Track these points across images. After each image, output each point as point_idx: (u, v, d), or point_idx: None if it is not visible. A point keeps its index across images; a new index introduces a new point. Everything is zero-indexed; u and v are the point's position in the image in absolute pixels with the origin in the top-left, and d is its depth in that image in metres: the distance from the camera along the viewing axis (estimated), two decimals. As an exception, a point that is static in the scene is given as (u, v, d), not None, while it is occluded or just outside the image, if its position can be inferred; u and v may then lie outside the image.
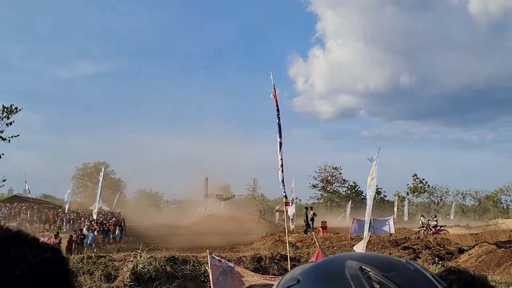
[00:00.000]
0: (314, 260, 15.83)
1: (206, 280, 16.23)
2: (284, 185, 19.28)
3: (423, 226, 40.29)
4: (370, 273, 0.90)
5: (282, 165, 18.66)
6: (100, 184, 45.01)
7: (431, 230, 38.52)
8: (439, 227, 38.89)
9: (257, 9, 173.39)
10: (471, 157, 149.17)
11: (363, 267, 0.91)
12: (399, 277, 0.89)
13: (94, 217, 42.09)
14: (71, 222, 48.07)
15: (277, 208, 53.75)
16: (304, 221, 40.32)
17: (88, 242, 30.03)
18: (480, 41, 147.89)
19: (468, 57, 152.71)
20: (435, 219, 42.74)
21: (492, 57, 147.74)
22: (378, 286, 0.87)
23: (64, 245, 27.71)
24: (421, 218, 45.06)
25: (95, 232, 31.72)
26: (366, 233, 23.54)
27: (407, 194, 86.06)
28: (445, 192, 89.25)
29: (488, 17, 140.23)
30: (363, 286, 0.87)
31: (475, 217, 78.72)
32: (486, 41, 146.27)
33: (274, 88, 18.94)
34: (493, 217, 70.61)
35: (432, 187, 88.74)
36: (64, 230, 42.23)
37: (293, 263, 19.12)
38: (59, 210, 53.97)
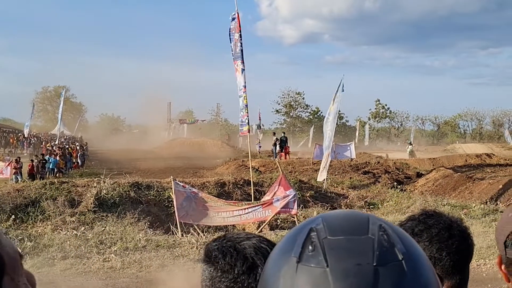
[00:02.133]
0: (277, 186, 16.09)
1: (170, 205, 16.41)
2: (247, 112, 19.35)
3: (411, 152, 41.42)
4: (313, 234, 0.83)
5: (245, 91, 18.66)
6: (60, 109, 44.59)
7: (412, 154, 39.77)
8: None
9: None
10: (432, 82, 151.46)
11: (313, 227, 0.84)
12: (337, 242, 0.81)
13: (56, 141, 41.77)
14: (32, 146, 47.53)
15: (240, 133, 53.87)
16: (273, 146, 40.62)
17: (50, 167, 29.85)
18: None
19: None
20: (411, 145, 43.94)
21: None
22: (310, 247, 0.81)
23: (25, 169, 27.53)
24: (410, 146, 45.47)
25: (57, 157, 31.46)
26: (323, 159, 23.95)
27: (369, 119, 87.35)
28: (406, 117, 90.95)
29: None
30: (298, 245, 0.82)
31: (434, 141, 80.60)
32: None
33: (237, 13, 18.69)
34: (451, 142, 72.38)
35: (394, 113, 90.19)
36: (25, 154, 41.84)
37: (256, 188, 19.42)
38: (19, 134, 53.07)
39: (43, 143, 47.39)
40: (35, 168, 28.00)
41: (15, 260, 0.98)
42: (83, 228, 14.83)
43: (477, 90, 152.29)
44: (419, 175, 27.93)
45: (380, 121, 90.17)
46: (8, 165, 28.00)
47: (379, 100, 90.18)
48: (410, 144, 46.94)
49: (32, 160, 29.31)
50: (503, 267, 1.48)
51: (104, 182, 18.14)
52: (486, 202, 19.61)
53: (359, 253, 0.76)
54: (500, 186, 22.42)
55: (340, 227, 0.82)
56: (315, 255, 0.78)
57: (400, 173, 28.52)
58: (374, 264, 0.74)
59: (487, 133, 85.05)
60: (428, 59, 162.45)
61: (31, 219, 15.76)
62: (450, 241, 1.83)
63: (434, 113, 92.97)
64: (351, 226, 0.82)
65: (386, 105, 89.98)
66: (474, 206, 18.53)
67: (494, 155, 40.38)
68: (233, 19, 18.67)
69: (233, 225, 15.97)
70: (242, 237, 1.47)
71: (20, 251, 1.01)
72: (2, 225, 15.14)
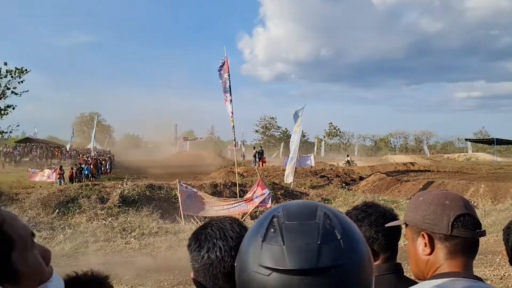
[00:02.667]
0: (256, 187, 15.98)
1: (175, 201, 16.27)
2: (234, 131, 19.44)
3: (348, 162, 41.61)
4: (275, 220, 0.84)
5: (232, 116, 18.72)
6: (94, 130, 44.50)
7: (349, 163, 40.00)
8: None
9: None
10: (370, 109, 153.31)
11: (275, 214, 0.86)
12: (292, 226, 0.82)
13: (91, 153, 41.43)
14: (72, 158, 47.02)
15: (229, 147, 54.17)
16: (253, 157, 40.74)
17: (85, 173, 29.49)
18: (378, 23, 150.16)
19: (369, 36, 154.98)
20: (348, 158, 44.19)
21: (386, 36, 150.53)
22: (272, 230, 0.83)
23: (66, 175, 27.22)
24: (347, 157, 45.85)
25: (91, 166, 31.15)
26: (289, 166, 23.97)
27: (324, 137, 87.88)
28: (351, 135, 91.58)
29: (385, 5, 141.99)
30: (263, 228, 0.84)
31: (372, 154, 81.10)
32: (383, 24, 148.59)
33: (226, 58, 18.78)
34: (385, 154, 72.92)
35: (342, 132, 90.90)
36: (66, 164, 41.47)
37: (240, 188, 19.37)
38: (63, 148, 52.57)
39: (80, 155, 46.86)
40: (74, 174, 27.67)
41: (26, 239, 1.00)
42: (110, 219, 14.70)
43: (403, 115, 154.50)
44: (361, 178, 28.02)
45: (332, 139, 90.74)
46: (54, 172, 27.67)
47: (331, 123, 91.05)
48: (348, 156, 47.48)
49: (72, 168, 28.98)
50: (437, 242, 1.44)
51: (126, 184, 17.98)
52: (410, 198, 19.75)
53: (307, 234, 0.79)
54: (421, 186, 22.58)
55: (295, 214, 0.84)
56: (275, 236, 0.80)
57: (347, 177, 28.61)
58: (319, 243, 0.77)
59: (411, 147, 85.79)
60: (367, 92, 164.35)
61: (71, 212, 15.58)
62: (384, 223, 1.84)
63: (372, 133, 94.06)
64: (303, 213, 0.84)
65: (336, 126, 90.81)
66: (402, 201, 18.62)
67: (416, 163, 40.80)
68: (223, 62, 18.74)
69: (223, 215, 15.90)
70: (226, 221, 1.49)
71: (32, 231, 1.03)
72: (49, 216, 14.95)
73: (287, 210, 0.86)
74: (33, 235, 1.04)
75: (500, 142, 47.50)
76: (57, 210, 15.43)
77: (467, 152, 61.42)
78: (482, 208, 16.22)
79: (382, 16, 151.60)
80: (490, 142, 51.13)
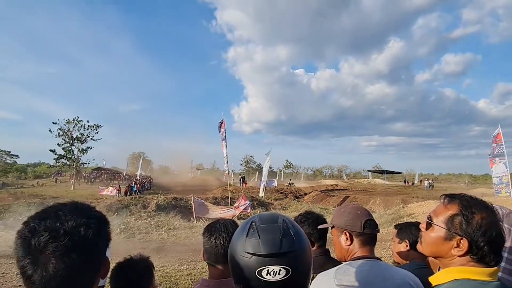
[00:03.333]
0: (240, 199, 15.76)
1: (191, 208, 15.95)
2: (227, 165, 19.35)
3: (289, 184, 41.50)
4: (253, 223, 0.83)
5: (227, 156, 18.71)
6: (140, 162, 43.82)
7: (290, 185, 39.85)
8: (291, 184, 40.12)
9: (217, 84, 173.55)
10: (312, 152, 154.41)
11: (254, 220, 0.84)
12: (264, 228, 0.80)
13: (138, 177, 40.44)
14: (127, 180, 45.77)
15: (224, 174, 53.61)
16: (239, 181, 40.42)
17: (134, 189, 28.73)
18: (315, 101, 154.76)
19: (310, 108, 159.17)
20: (290, 181, 44.14)
21: (320, 108, 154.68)
22: (251, 230, 0.81)
23: (123, 190, 26.46)
24: (290, 181, 45.70)
25: (138, 185, 30.38)
26: (262, 186, 23.90)
27: (283, 168, 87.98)
28: (299, 167, 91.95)
29: (319, 91, 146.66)
30: (246, 229, 0.82)
31: (312, 179, 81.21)
32: (318, 101, 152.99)
33: (223, 119, 18.95)
34: (320, 179, 73.11)
35: (294, 165, 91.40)
36: (122, 184, 40.24)
37: (231, 200, 19.10)
38: (121, 174, 51.22)
39: (132, 178, 45.66)
40: (127, 190, 26.90)
41: (110, 239, 0.85)
42: (149, 219, 14.27)
43: (331, 156, 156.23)
44: (305, 194, 28.00)
45: (288, 169, 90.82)
46: (115, 189, 26.91)
47: (287, 159, 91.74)
48: (290, 180, 47.34)
49: (126, 187, 28.22)
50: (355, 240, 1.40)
51: (160, 197, 17.58)
52: (335, 207, 19.70)
53: (273, 232, 0.79)
54: (341, 199, 22.72)
55: (265, 220, 0.83)
56: (254, 233, 0.80)
57: (297, 193, 28.53)
58: (280, 237, 0.78)
59: (335, 175, 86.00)
60: (309, 141, 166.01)
61: (125, 214, 15.08)
62: (317, 225, 1.77)
63: (312, 165, 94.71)
64: (270, 219, 0.83)
65: (290, 162, 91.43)
66: (330, 209, 18.56)
67: (338, 185, 40.93)
68: (221, 122, 18.87)
69: (222, 217, 15.56)
70: (228, 221, 1.47)
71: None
72: (110, 218, 14.38)
73: (260, 217, 0.85)
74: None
75: (388, 172, 48.52)
76: (116, 213, 14.94)
77: (369, 178, 62.26)
78: (378, 212, 16.37)
79: (317, 96, 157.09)
80: (382, 172, 52.14)
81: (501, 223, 1.03)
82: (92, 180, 44.80)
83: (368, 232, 1.39)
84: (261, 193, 23.31)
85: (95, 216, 0.81)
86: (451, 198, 1.08)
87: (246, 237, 0.80)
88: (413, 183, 49.81)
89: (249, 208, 15.49)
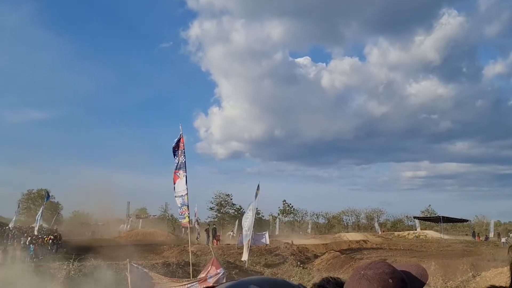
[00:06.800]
0: (210, 266, 15.56)
1: (124, 282, 15.47)
2: (188, 208, 19.00)
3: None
4: None
5: (187, 194, 18.42)
6: (42, 207, 43.05)
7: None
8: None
9: (171, 78, 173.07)
10: (323, 188, 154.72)
11: None
12: None
13: (35, 233, 39.49)
14: (14, 237, 44.42)
15: (182, 224, 52.84)
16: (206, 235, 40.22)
17: (30, 252, 27.83)
18: (329, 106, 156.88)
19: (321, 117, 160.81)
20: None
21: (337, 118, 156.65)
22: None
23: (9, 255, 25.57)
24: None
25: (35, 245, 29.50)
26: (246, 244, 23.69)
27: (278, 214, 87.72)
28: (305, 213, 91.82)
29: (335, 90, 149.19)
30: None
31: (325, 231, 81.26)
32: (333, 107, 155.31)
33: (182, 135, 18.86)
34: (338, 231, 73.20)
35: (296, 209, 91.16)
36: (9, 243, 39.12)
37: (194, 267, 18.70)
38: (5, 227, 49.80)
39: (25, 234, 44.28)
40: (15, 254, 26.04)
41: None
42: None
43: (354, 194, 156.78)
44: (316, 256, 27.90)
45: (286, 216, 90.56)
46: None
47: (285, 200, 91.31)
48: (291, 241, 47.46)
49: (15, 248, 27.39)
50: None
51: (72, 264, 17.05)
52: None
53: None
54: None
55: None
56: None
57: (302, 255, 28.39)
58: None
59: (363, 225, 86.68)
60: (319, 171, 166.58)
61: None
62: None
63: (325, 210, 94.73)
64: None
65: (290, 204, 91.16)
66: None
67: (368, 241, 41.13)
68: (179, 139, 18.77)
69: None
70: None
71: None
72: None
73: (264, 286, 1.00)
74: None
75: (446, 220, 49.08)
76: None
77: (415, 229, 62.57)
78: (434, 286, 16.34)
79: (331, 98, 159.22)
80: (437, 220, 52.72)
81: None
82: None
83: None
84: (244, 256, 22.95)
85: None
86: None
87: None
88: (486, 237, 50.47)
89: (224, 281, 15.10)
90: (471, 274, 16.90)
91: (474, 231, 54.62)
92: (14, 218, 50.27)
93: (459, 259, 22.63)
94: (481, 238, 49.39)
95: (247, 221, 24.37)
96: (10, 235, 44.99)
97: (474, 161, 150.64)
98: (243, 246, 24.55)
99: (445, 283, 16.78)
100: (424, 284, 1.56)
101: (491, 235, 53.47)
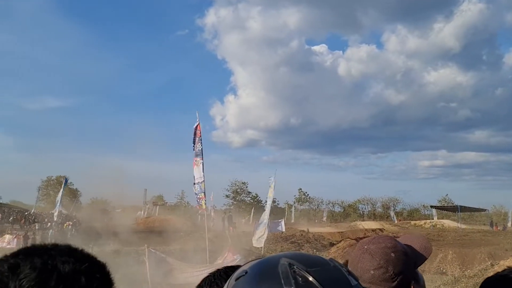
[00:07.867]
0: (227, 253, 15.75)
1: (143, 266, 15.69)
2: (205, 195, 19.13)
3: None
4: (295, 268, 0.90)
5: (203, 182, 18.55)
6: (60, 194, 43.35)
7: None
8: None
9: (187, 66, 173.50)
10: (339, 176, 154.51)
11: (291, 263, 0.92)
12: (319, 272, 0.89)
13: (55, 219, 40.19)
14: (35, 222, 45.37)
15: (199, 212, 53.18)
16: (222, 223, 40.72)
17: (49, 237, 28.47)
18: (345, 94, 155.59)
19: (337, 106, 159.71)
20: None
21: (353, 106, 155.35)
22: (300, 279, 0.88)
23: (30, 240, 26.11)
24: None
25: (55, 230, 30.19)
26: (260, 230, 23.72)
27: (294, 203, 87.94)
28: (320, 201, 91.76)
29: (351, 78, 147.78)
30: (289, 278, 0.88)
31: (341, 220, 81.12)
32: (349, 95, 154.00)
33: (199, 123, 18.96)
34: (353, 220, 73.03)
35: (311, 198, 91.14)
36: (30, 229, 39.97)
37: (210, 254, 18.86)
38: (26, 213, 50.83)
39: (46, 220, 45.19)
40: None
41: None
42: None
43: (370, 183, 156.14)
44: (331, 244, 27.95)
45: (302, 204, 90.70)
46: (15, 237, 26.51)
47: (301, 189, 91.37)
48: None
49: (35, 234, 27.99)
50: None
51: (92, 249, 17.27)
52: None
53: (336, 274, 0.89)
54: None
55: (311, 262, 0.92)
56: (307, 283, 0.87)
57: (318, 243, 28.47)
58: (347, 276, 0.89)
59: (379, 213, 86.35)
60: (335, 160, 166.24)
61: None
62: None
63: (341, 199, 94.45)
64: (316, 260, 0.93)
65: (306, 192, 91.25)
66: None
67: (384, 230, 41.01)
68: (196, 127, 18.89)
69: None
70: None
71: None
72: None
73: (299, 260, 0.93)
74: None
75: (463, 209, 48.53)
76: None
77: (432, 219, 62.18)
78: (451, 274, 16.24)
79: (348, 87, 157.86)
80: (454, 209, 52.16)
81: None
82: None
83: None
84: (259, 241, 23.03)
85: (99, 264, 0.93)
86: None
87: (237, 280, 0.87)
88: (504, 227, 49.91)
89: (240, 268, 15.25)
90: (489, 263, 16.76)
91: (491, 221, 54.07)
92: (35, 204, 50.61)
93: (476, 248, 22.47)
94: (498, 228, 48.88)
95: (266, 209, 24.57)
96: (30, 220, 46.09)
97: (492, 150, 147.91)
98: (256, 233, 24.64)
99: (463, 272, 16.68)
100: (426, 257, 1.56)
101: (509, 224, 52.98)
